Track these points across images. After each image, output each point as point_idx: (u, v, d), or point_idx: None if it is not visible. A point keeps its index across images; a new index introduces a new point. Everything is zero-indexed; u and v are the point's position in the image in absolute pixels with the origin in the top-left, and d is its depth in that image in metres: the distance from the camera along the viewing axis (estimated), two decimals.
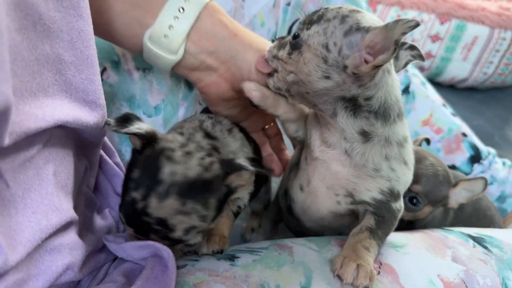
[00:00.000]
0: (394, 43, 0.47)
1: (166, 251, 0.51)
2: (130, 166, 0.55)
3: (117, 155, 0.70)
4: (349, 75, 0.53)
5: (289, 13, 0.97)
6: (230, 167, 0.55)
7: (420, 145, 0.88)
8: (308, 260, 0.57)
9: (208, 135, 0.63)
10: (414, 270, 0.57)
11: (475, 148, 1.07)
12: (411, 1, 1.59)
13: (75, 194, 0.53)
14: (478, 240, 0.66)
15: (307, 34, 0.55)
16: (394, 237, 0.64)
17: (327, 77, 0.54)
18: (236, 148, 0.67)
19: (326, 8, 0.56)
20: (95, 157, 0.62)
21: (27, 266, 0.43)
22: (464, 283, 0.58)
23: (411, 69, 1.07)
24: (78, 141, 0.56)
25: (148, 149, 0.55)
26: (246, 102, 0.66)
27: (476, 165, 1.06)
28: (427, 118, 1.06)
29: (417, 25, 0.46)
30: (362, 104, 0.55)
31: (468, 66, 1.60)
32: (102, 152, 0.68)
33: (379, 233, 0.59)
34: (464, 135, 1.07)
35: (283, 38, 0.62)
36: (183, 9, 0.60)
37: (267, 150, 0.78)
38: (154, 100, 0.79)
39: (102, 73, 0.76)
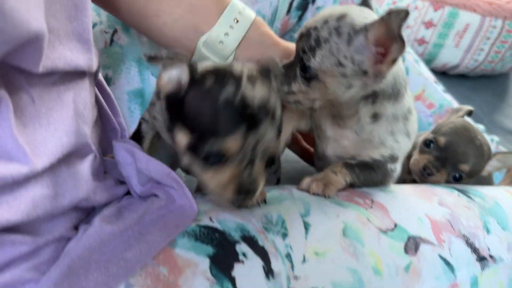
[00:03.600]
0: (398, 36, 0.50)
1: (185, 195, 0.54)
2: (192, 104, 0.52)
3: (121, 115, 0.73)
4: (370, 76, 0.56)
5: None
6: None
7: (463, 116, 0.91)
8: (306, 197, 0.62)
9: None
10: (403, 209, 0.63)
11: None
12: None
13: (90, 127, 0.56)
14: (463, 191, 0.71)
15: (317, 62, 0.57)
16: (384, 186, 0.69)
17: (350, 87, 0.58)
18: None
19: (315, 28, 0.58)
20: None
21: (53, 184, 0.47)
22: (449, 222, 0.63)
23: None
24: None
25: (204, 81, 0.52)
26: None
27: None
28: (419, 93, 1.11)
29: (407, 14, 0.48)
30: (379, 93, 0.60)
31: (460, 53, 1.66)
32: (107, 108, 0.71)
33: (355, 170, 0.65)
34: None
35: (286, 71, 0.62)
36: (237, 20, 0.66)
37: None
38: None
39: (113, 34, 0.80)
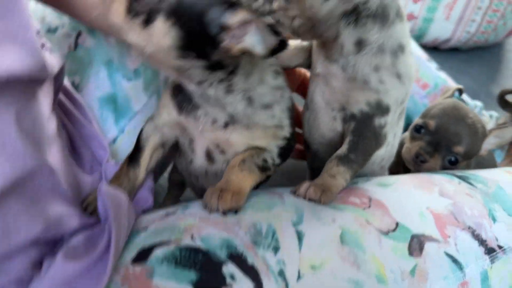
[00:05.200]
0: None
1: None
2: None
3: (94, 119, 0.68)
4: None
5: None
6: None
7: (452, 96, 0.85)
8: (298, 202, 0.57)
9: None
10: (404, 204, 0.58)
11: (461, 100, 1.07)
12: None
13: (47, 143, 0.49)
14: (463, 178, 0.67)
15: None
16: (381, 178, 0.65)
17: None
18: None
19: None
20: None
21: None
22: (453, 214, 0.58)
23: None
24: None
25: None
26: None
27: None
28: None
29: None
30: (361, 10, 0.54)
31: (451, 26, 1.59)
32: (79, 115, 0.65)
33: (350, 157, 0.60)
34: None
35: None
36: None
37: None
38: (133, 63, 0.77)
39: (77, 37, 0.74)
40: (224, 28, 0.46)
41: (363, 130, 0.60)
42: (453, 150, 0.74)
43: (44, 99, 0.50)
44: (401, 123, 0.68)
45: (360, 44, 0.57)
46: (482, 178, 0.67)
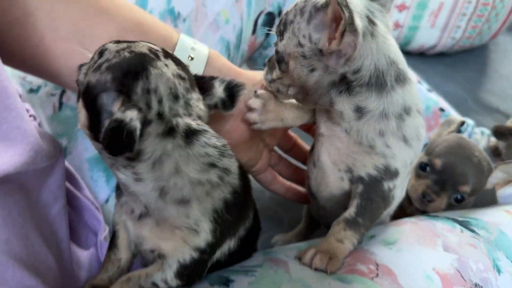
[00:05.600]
0: (339, 6, 0.46)
1: None
2: None
3: (86, 188, 0.65)
4: (329, 56, 0.52)
5: (253, 6, 0.92)
6: None
7: (456, 130, 0.84)
8: (305, 275, 0.55)
9: None
10: (411, 267, 0.57)
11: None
12: None
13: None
14: (464, 224, 0.66)
15: (283, 45, 0.56)
16: (385, 232, 0.63)
17: (313, 70, 0.54)
18: None
19: (287, 12, 0.56)
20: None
21: None
22: (459, 272, 0.57)
23: None
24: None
25: None
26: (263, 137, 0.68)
27: None
28: None
29: None
30: (352, 79, 0.53)
31: (436, 33, 1.59)
32: (70, 186, 0.63)
33: (358, 221, 0.58)
34: (442, 110, 1.06)
35: (269, 60, 0.63)
36: (191, 57, 0.61)
37: None
38: None
39: (61, 96, 0.71)
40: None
41: (371, 194, 0.59)
42: (460, 189, 0.74)
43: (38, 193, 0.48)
44: (408, 177, 0.66)
45: (360, 111, 0.55)
46: (484, 223, 0.66)
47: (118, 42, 0.49)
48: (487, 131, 1.11)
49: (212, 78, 0.54)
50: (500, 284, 0.58)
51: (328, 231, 0.61)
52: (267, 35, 0.98)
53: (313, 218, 0.86)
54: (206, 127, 0.51)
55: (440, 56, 1.72)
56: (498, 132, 0.94)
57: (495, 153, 1.03)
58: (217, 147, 0.51)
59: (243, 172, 0.57)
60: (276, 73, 0.60)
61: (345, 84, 0.54)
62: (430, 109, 1.05)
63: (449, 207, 0.76)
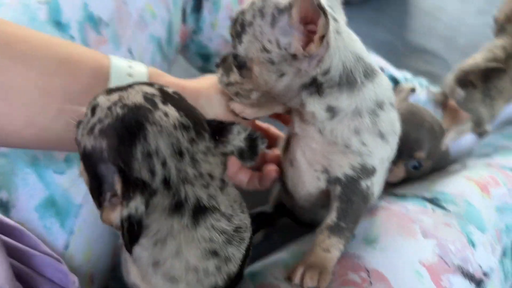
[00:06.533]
0: (318, 8, 0.44)
1: None
2: None
3: (41, 242, 0.59)
4: (301, 60, 0.49)
5: None
6: None
7: (407, 98, 0.84)
8: None
9: None
10: (400, 267, 0.58)
11: (393, 79, 1.08)
12: None
13: None
14: (434, 202, 0.68)
15: (243, 49, 0.52)
16: (363, 227, 0.64)
17: (283, 75, 0.51)
18: None
19: (242, 11, 0.52)
20: None
21: None
22: (441, 258, 0.60)
23: None
24: None
25: None
26: None
27: None
28: None
29: None
30: (322, 81, 0.51)
31: None
32: (22, 247, 0.57)
33: (341, 225, 0.58)
34: (381, 69, 1.06)
35: (223, 61, 0.59)
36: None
37: None
38: (61, 153, 0.66)
39: None
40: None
41: (350, 195, 0.58)
42: (415, 156, 0.75)
43: None
44: (385, 173, 0.66)
45: (332, 111, 0.53)
46: (451, 197, 0.69)
47: (109, 92, 0.44)
48: (425, 82, 1.14)
49: (232, 124, 0.49)
50: (477, 258, 0.62)
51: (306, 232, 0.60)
52: (197, 20, 0.91)
53: (282, 206, 0.86)
54: (218, 200, 0.46)
55: (365, 2, 1.72)
56: (462, 81, 0.94)
57: (441, 105, 1.04)
58: (226, 232, 0.47)
59: (247, 255, 0.53)
60: (234, 77, 0.57)
61: (315, 86, 0.52)
62: None
63: (409, 174, 0.78)
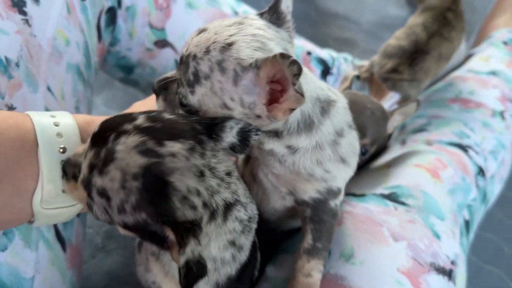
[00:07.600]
0: (292, 86, 0.41)
1: None
2: None
3: None
4: (264, 119, 0.47)
5: (90, 9, 0.75)
6: None
7: (350, 85, 0.83)
8: None
9: None
10: (381, 280, 0.59)
11: (322, 61, 1.08)
12: None
13: None
14: (393, 198, 0.70)
15: (196, 100, 0.48)
16: (336, 241, 0.64)
17: None
18: None
19: (194, 56, 0.46)
20: None
21: None
22: (415, 259, 0.62)
23: None
24: None
25: None
26: None
27: (329, 77, 1.08)
28: None
29: (300, 70, 0.39)
30: (281, 130, 0.50)
31: None
32: None
33: (318, 246, 0.58)
34: (309, 53, 1.06)
35: (164, 88, 0.52)
36: (62, 149, 0.49)
37: None
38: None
39: None
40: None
41: (321, 215, 0.57)
42: (360, 143, 0.77)
43: None
44: None
45: (292, 148, 0.52)
46: (407, 190, 0.71)
47: (103, 172, 0.41)
48: (349, 57, 1.16)
49: (223, 120, 0.48)
50: (444, 249, 0.65)
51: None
52: (112, 31, 0.82)
53: None
54: (239, 193, 0.48)
55: None
56: (388, 72, 0.94)
57: (366, 79, 1.06)
58: (243, 221, 0.50)
59: (254, 247, 0.57)
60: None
61: (274, 132, 0.50)
62: (299, 57, 1.04)
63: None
